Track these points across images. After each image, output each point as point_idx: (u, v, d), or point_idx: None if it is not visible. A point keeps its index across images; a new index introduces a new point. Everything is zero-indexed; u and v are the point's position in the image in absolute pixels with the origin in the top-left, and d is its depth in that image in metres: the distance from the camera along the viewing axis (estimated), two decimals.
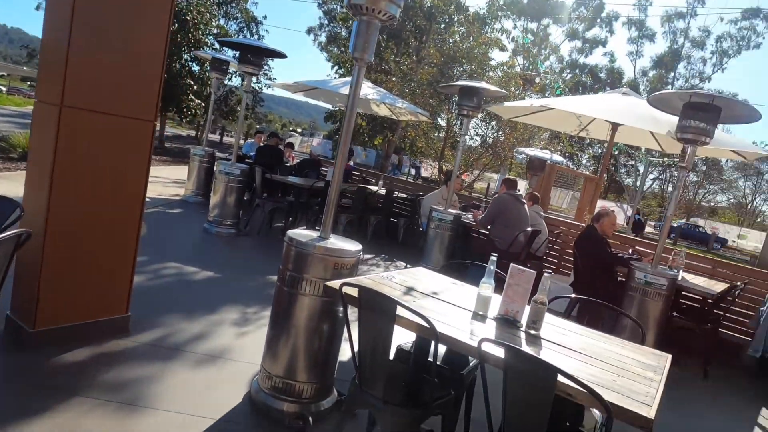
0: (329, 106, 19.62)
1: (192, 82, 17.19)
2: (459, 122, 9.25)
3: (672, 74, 31.96)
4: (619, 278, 5.47)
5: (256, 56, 6.20)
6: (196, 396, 2.71)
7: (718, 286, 5.21)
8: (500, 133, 10.38)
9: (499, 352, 1.72)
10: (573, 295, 4.81)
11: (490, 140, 10.24)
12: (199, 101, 17.59)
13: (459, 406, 2.43)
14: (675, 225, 33.29)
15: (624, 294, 4.78)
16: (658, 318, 4.62)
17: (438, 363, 2.66)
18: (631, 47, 34.33)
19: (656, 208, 41.77)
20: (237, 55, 6.49)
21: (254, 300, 4.28)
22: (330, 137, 33.53)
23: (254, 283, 4.88)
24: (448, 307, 2.33)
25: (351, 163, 9.96)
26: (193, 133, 30.25)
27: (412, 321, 1.95)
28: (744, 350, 5.30)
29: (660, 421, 3.78)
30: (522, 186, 11.66)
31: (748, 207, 43.33)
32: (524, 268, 2.23)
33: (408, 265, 3.62)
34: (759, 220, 42.51)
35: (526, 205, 6.23)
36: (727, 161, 32.28)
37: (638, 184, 29.52)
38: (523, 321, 2.21)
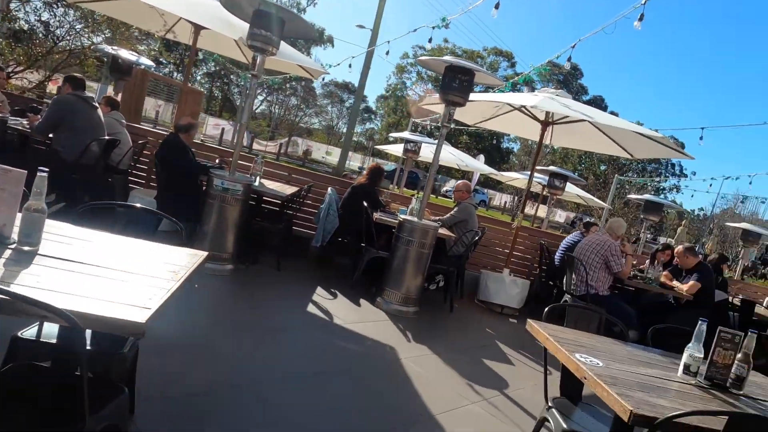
0: None
1: None
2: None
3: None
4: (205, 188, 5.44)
5: None
6: None
7: (290, 190, 5.86)
8: (77, 23, 8.50)
9: None
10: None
11: (61, 31, 8.25)
12: None
13: None
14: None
15: (205, 202, 4.77)
16: (238, 221, 4.83)
17: None
18: None
19: (266, 128, 45.48)
20: None
21: None
22: None
23: None
24: None
25: None
26: None
27: None
28: (311, 242, 6.25)
29: (234, 314, 4.03)
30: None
31: (334, 129, 52.61)
32: (11, 168, 1.68)
33: None
34: (341, 140, 52.09)
35: (99, 110, 5.34)
36: (304, 83, 37.36)
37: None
38: (15, 236, 1.70)
